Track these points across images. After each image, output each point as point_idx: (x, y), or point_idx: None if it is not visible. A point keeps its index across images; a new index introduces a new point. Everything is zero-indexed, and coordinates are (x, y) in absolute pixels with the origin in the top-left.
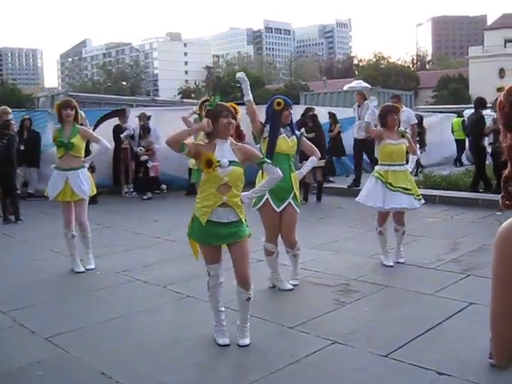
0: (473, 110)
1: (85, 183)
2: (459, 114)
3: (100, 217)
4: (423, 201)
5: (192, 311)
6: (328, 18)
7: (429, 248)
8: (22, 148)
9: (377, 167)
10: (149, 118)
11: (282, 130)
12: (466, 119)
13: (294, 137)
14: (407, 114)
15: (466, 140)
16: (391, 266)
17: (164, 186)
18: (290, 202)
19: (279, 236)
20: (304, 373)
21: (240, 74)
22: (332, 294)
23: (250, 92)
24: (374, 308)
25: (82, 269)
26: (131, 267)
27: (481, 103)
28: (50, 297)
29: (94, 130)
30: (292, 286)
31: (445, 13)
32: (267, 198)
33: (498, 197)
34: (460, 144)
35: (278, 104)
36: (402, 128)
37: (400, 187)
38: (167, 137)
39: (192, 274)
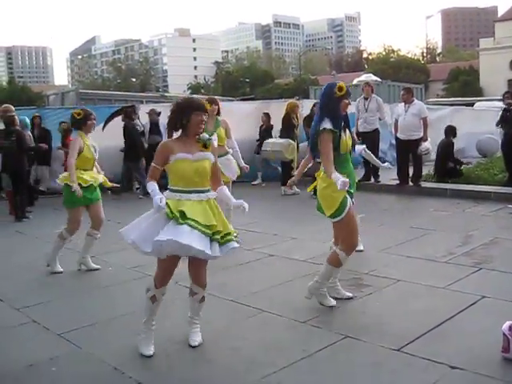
0: (484, 102)
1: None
2: None
3: (111, 212)
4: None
5: (204, 306)
6: (337, 11)
7: (440, 242)
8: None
9: None
10: (159, 114)
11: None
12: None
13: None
14: (418, 107)
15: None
16: None
17: None
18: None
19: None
20: (317, 367)
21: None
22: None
23: None
24: (386, 302)
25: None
26: (142, 263)
27: (451, 131)
28: (63, 293)
29: (104, 126)
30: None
31: (454, 4)
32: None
33: (510, 190)
34: None
35: (340, 89)
36: (205, 134)
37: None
38: None
39: None
